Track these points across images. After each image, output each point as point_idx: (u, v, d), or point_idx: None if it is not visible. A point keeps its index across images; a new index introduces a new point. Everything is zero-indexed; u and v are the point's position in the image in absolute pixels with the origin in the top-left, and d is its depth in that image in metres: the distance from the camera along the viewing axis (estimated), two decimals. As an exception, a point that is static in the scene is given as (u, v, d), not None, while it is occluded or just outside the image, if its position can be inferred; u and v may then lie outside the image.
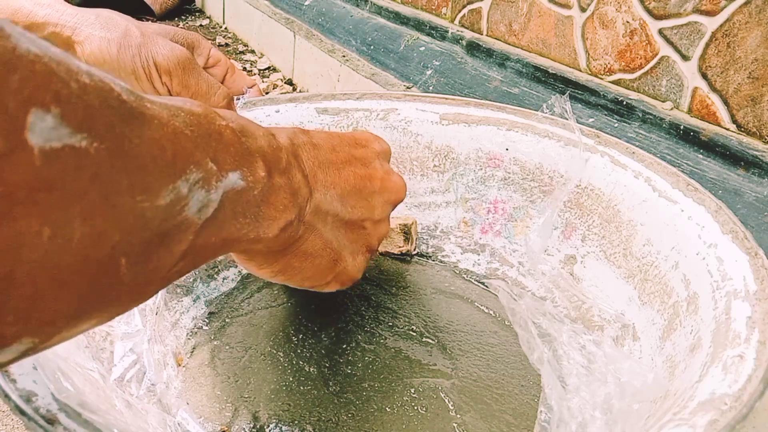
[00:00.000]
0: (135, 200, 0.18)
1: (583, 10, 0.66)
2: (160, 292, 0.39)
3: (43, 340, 0.17)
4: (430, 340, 0.41)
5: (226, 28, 1.62)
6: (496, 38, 0.80)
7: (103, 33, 0.42)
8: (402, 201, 0.39)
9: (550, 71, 0.70)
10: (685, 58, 0.56)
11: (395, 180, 0.38)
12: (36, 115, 0.14)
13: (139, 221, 0.18)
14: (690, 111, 0.57)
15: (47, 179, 0.15)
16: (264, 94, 0.57)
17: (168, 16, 1.73)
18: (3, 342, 0.15)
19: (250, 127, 0.27)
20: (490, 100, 0.53)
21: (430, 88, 0.83)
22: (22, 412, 0.23)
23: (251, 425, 0.34)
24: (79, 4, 0.49)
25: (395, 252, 0.49)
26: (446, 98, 0.52)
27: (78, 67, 0.16)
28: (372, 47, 0.98)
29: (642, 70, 0.60)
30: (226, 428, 0.34)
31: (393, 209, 0.39)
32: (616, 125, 0.61)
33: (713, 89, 0.54)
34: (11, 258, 0.14)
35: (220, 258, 0.46)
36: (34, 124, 0.14)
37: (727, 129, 0.53)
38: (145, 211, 0.18)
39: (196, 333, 0.41)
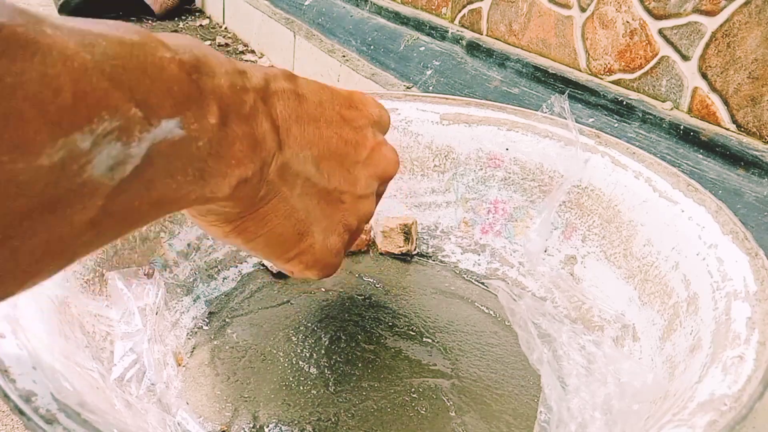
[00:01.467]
0: None
1: (583, 10, 0.66)
2: (160, 292, 0.39)
3: None
4: (430, 340, 0.41)
5: (226, 28, 1.62)
6: (496, 38, 0.80)
7: None
8: (391, 178, 0.34)
9: (550, 71, 0.70)
10: (685, 58, 0.56)
11: (387, 153, 0.32)
12: None
13: (5, 187, 0.14)
14: (690, 111, 0.57)
15: None
16: None
17: (168, 16, 1.73)
18: None
19: (210, 62, 0.22)
20: (490, 100, 0.53)
21: (430, 88, 0.83)
22: (22, 412, 0.23)
23: (251, 425, 0.34)
24: (77, 6, 0.48)
25: (395, 252, 0.49)
26: (446, 98, 0.52)
27: None
28: (372, 47, 0.98)
29: (642, 70, 0.60)
30: (225, 428, 0.34)
31: (380, 186, 0.34)
32: (616, 125, 0.61)
33: (713, 89, 0.54)
34: None
35: (220, 258, 0.46)
36: None
37: (727, 129, 0.53)
38: (17, 173, 0.14)
39: (196, 333, 0.41)
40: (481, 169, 0.50)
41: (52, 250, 0.17)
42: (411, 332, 0.41)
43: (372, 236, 0.51)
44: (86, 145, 0.16)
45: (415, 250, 0.50)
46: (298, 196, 0.28)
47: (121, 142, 0.17)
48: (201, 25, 1.67)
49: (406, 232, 0.49)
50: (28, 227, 0.15)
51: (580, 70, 0.68)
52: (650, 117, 0.58)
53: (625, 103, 0.61)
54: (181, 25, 1.67)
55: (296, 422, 0.34)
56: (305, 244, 0.30)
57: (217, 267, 0.46)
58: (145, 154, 0.18)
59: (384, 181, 0.33)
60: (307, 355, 0.39)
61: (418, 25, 0.93)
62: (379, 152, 0.32)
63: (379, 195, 0.35)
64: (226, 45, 1.46)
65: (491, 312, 0.44)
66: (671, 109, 0.58)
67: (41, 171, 0.15)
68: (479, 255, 0.50)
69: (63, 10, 1.51)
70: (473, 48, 0.82)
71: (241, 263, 0.47)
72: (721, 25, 0.52)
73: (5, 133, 0.14)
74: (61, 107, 0.15)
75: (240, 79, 0.23)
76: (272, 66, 0.27)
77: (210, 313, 0.43)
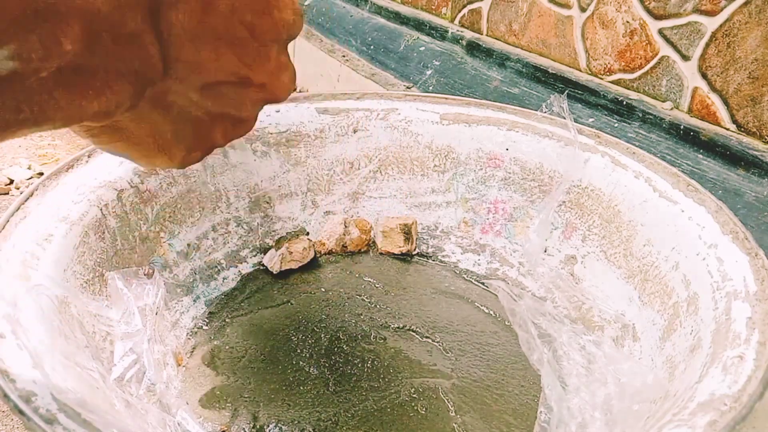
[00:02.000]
0: None
1: (583, 10, 0.66)
2: (160, 292, 0.39)
3: None
4: (430, 340, 0.41)
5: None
6: (496, 38, 0.80)
7: None
8: (280, 98, 0.28)
9: (550, 71, 0.70)
10: (685, 58, 0.56)
11: (284, 78, 0.27)
12: None
13: None
14: (690, 111, 0.56)
15: None
16: None
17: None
18: None
19: None
20: (490, 100, 0.53)
21: (430, 88, 0.83)
22: (22, 412, 0.23)
23: (251, 425, 0.34)
24: None
25: (395, 252, 0.49)
26: (446, 98, 0.52)
27: None
28: (372, 47, 0.98)
29: (642, 70, 0.60)
30: (225, 428, 0.34)
31: (266, 104, 0.28)
32: (616, 125, 0.61)
33: (713, 89, 0.54)
34: None
35: (220, 258, 0.46)
36: None
37: (727, 129, 0.53)
38: None
39: (196, 333, 0.41)
40: (481, 169, 0.50)
41: None
42: (411, 332, 0.41)
43: (372, 236, 0.51)
44: None
45: (415, 250, 0.50)
46: (168, 122, 0.24)
47: None
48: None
49: (406, 232, 0.49)
50: None
51: (580, 70, 0.68)
52: (650, 117, 0.58)
53: (625, 103, 0.61)
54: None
55: (296, 422, 0.34)
56: (163, 158, 0.26)
57: (217, 267, 0.46)
58: None
59: (270, 103, 0.28)
60: (307, 355, 0.39)
61: (418, 25, 0.93)
62: (278, 77, 0.27)
63: (256, 115, 0.29)
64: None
65: (491, 312, 0.44)
66: (671, 109, 0.58)
67: None
68: (479, 255, 0.50)
69: None
70: (473, 48, 0.82)
71: (241, 263, 0.47)
72: (721, 25, 0.52)
73: None
74: None
75: None
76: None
77: (210, 313, 0.43)
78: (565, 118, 0.47)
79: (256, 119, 0.29)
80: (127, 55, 0.19)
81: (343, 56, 1.01)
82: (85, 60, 0.18)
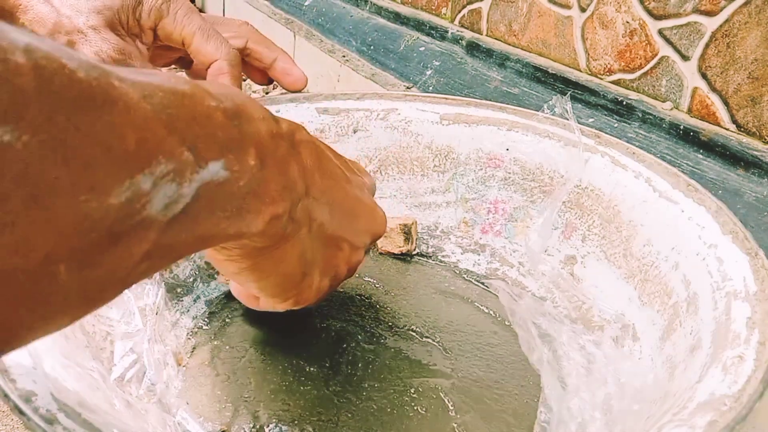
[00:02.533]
0: (77, 200, 0.15)
1: (582, 10, 0.66)
2: (160, 292, 0.39)
3: None
4: (430, 340, 0.41)
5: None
6: (496, 38, 0.80)
7: None
8: (379, 238, 0.37)
9: (550, 71, 0.70)
10: (684, 58, 0.56)
11: (381, 214, 0.37)
12: None
13: (82, 223, 0.16)
14: (690, 111, 0.57)
15: None
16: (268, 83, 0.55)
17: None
18: None
19: (248, 109, 0.24)
20: (490, 100, 0.53)
21: (430, 88, 0.83)
22: (22, 412, 0.23)
23: (251, 425, 0.34)
24: None
25: (395, 252, 0.49)
26: (446, 98, 0.52)
27: (13, 43, 0.14)
28: (372, 47, 0.98)
29: (642, 70, 0.60)
30: (226, 428, 0.34)
31: (371, 244, 0.37)
32: (616, 125, 0.61)
33: (713, 89, 0.54)
34: None
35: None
36: None
37: (727, 129, 0.53)
38: (91, 212, 0.16)
39: (196, 333, 0.41)
40: (481, 169, 0.50)
41: (114, 278, 0.18)
42: (411, 332, 0.41)
43: (372, 236, 0.51)
44: (147, 186, 0.17)
45: (415, 250, 0.50)
46: (311, 238, 0.30)
47: (175, 182, 0.19)
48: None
49: (406, 232, 0.49)
50: (97, 259, 0.17)
51: (580, 71, 0.68)
52: (650, 117, 0.58)
53: (625, 103, 0.61)
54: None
55: (296, 422, 0.34)
56: (305, 284, 0.32)
57: (217, 267, 0.46)
58: (194, 194, 0.20)
59: (374, 239, 0.37)
60: (308, 355, 0.39)
61: (418, 25, 0.93)
62: (377, 212, 0.36)
63: (366, 250, 0.38)
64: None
65: (491, 312, 0.44)
66: (671, 109, 0.58)
67: (111, 209, 0.16)
68: (479, 255, 0.50)
69: None
70: (473, 48, 0.82)
71: (241, 263, 0.47)
72: (721, 25, 0.52)
73: (83, 177, 0.15)
74: (127, 152, 0.17)
75: (275, 127, 0.26)
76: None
77: (210, 313, 0.43)
78: (568, 119, 0.47)
79: (363, 253, 0.36)
80: (283, 172, 0.25)
81: (343, 56, 1.01)
82: (261, 174, 0.24)
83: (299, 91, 0.52)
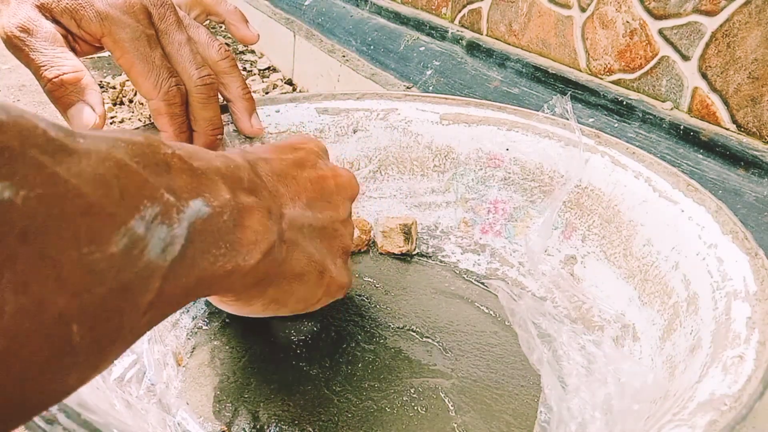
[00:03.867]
0: (80, 253, 0.15)
1: (583, 10, 0.66)
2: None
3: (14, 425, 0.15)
4: (430, 340, 0.41)
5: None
6: (496, 38, 0.80)
7: None
8: (357, 195, 0.38)
9: (550, 71, 0.70)
10: (685, 58, 0.56)
11: (345, 174, 0.36)
12: None
13: (88, 278, 0.16)
14: (690, 111, 0.57)
15: None
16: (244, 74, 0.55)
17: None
18: None
19: (200, 152, 0.24)
20: (490, 100, 0.53)
21: (430, 88, 0.83)
22: (22, 413, 0.23)
23: (251, 425, 0.34)
24: None
25: (395, 252, 0.49)
26: (446, 98, 0.52)
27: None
28: (372, 47, 0.98)
29: (642, 70, 0.60)
30: (225, 428, 0.34)
31: (351, 204, 0.37)
32: (616, 125, 0.61)
33: (713, 89, 0.54)
34: None
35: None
36: None
37: (727, 129, 0.53)
38: (95, 263, 0.16)
39: (196, 333, 0.41)
40: (481, 169, 0.50)
41: (123, 333, 0.18)
42: (411, 332, 0.41)
43: (372, 236, 0.51)
44: (141, 230, 0.18)
45: (415, 250, 0.50)
46: (308, 242, 0.31)
47: (165, 224, 0.19)
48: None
49: (406, 232, 0.49)
50: (105, 314, 0.17)
51: (580, 70, 0.68)
52: (650, 117, 0.58)
53: (625, 103, 0.61)
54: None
55: (296, 422, 0.34)
56: (327, 279, 0.33)
57: (217, 267, 0.46)
58: (187, 234, 0.20)
59: (353, 199, 0.37)
60: (308, 355, 0.39)
61: (418, 25, 0.93)
62: (340, 177, 0.36)
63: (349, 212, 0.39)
64: (227, 45, 1.46)
65: (491, 312, 0.44)
66: (671, 109, 0.58)
67: (113, 258, 0.17)
68: (479, 255, 0.50)
69: None
70: (473, 48, 0.82)
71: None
72: (721, 25, 0.52)
73: (81, 227, 0.15)
74: (115, 200, 0.17)
75: (229, 160, 0.26)
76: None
77: (210, 313, 0.43)
78: (569, 120, 0.47)
79: (351, 216, 0.37)
80: (256, 200, 0.26)
81: (343, 56, 1.01)
82: (240, 205, 0.24)
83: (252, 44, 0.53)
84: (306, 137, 0.37)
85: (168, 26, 0.41)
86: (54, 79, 0.37)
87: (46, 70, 0.37)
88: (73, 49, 0.40)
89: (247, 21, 0.52)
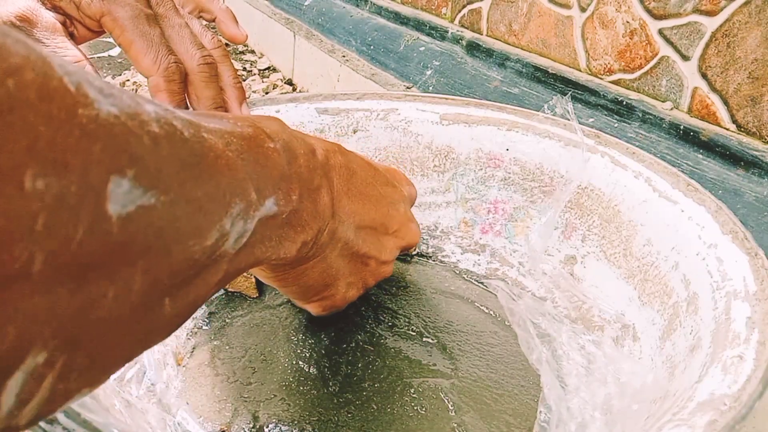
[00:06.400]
0: (187, 245, 0.18)
1: (583, 10, 0.66)
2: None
3: (96, 387, 0.17)
4: (430, 340, 0.41)
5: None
6: (496, 38, 0.80)
7: None
8: (411, 248, 0.39)
9: (550, 71, 0.70)
10: (685, 58, 0.56)
11: (413, 228, 0.38)
12: (114, 182, 0.14)
13: (187, 263, 0.18)
14: (690, 111, 0.57)
15: (120, 243, 0.15)
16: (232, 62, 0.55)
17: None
18: (67, 398, 0.15)
19: (294, 146, 0.26)
20: (490, 100, 0.53)
21: (430, 88, 0.83)
22: (22, 412, 0.23)
23: (251, 425, 0.34)
24: None
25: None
26: (446, 98, 0.52)
27: (148, 114, 0.16)
28: (372, 47, 0.98)
29: (642, 70, 0.60)
30: (225, 428, 0.34)
31: (400, 253, 0.39)
32: (616, 125, 0.61)
33: (713, 89, 0.54)
34: (81, 322, 0.14)
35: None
36: (113, 192, 0.14)
37: (727, 129, 0.53)
38: (194, 253, 0.18)
39: (196, 333, 0.41)
40: (481, 169, 0.50)
41: (194, 305, 0.20)
42: (411, 332, 0.41)
43: (372, 236, 0.51)
44: (228, 227, 0.20)
45: (414, 250, 0.50)
46: (335, 256, 0.32)
47: (243, 220, 0.21)
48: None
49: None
50: (188, 290, 0.19)
51: (580, 70, 0.68)
52: (650, 117, 0.58)
53: (625, 103, 0.61)
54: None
55: (296, 422, 0.34)
56: (328, 293, 0.35)
57: (217, 267, 0.46)
58: (254, 228, 0.22)
59: (405, 250, 0.39)
60: (307, 355, 0.39)
61: (418, 25, 0.93)
62: (408, 226, 0.37)
63: (393, 260, 0.40)
64: (226, 44, 1.46)
65: (491, 312, 0.44)
66: (671, 109, 0.58)
67: (206, 249, 0.19)
68: (479, 255, 0.50)
69: None
70: (473, 48, 0.82)
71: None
72: (721, 25, 0.52)
73: (192, 223, 0.18)
74: (219, 199, 0.19)
75: (312, 160, 0.28)
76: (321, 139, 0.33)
77: (210, 313, 0.43)
78: (569, 120, 0.47)
79: (392, 264, 0.38)
80: (315, 202, 0.28)
81: (343, 56, 1.01)
82: (299, 206, 0.26)
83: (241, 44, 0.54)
84: (405, 178, 0.39)
85: (167, 10, 0.42)
86: None
87: None
88: (71, 35, 0.41)
89: (237, 21, 0.53)
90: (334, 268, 0.33)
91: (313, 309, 0.37)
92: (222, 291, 0.45)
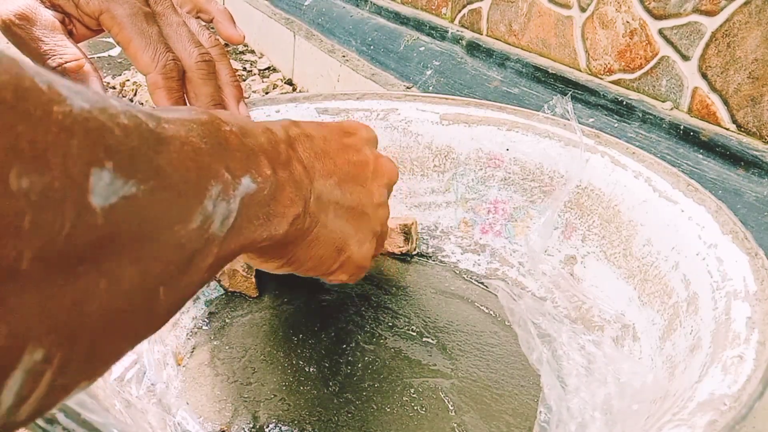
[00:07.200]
0: (173, 230, 0.18)
1: (583, 10, 0.66)
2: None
3: (95, 379, 0.17)
4: (430, 340, 0.41)
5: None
6: (496, 38, 0.80)
7: None
8: (395, 182, 0.39)
9: (550, 71, 0.70)
10: (685, 58, 0.56)
11: (386, 163, 0.38)
12: (96, 175, 0.14)
13: (176, 249, 0.18)
14: (690, 111, 0.57)
15: (106, 234, 0.15)
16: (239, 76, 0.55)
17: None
18: (66, 392, 0.15)
19: (248, 126, 0.27)
20: (490, 100, 0.53)
21: (430, 88, 0.83)
22: (22, 412, 0.23)
23: (251, 425, 0.34)
24: None
25: (395, 252, 0.49)
26: (446, 98, 0.52)
27: (115, 108, 0.16)
28: (372, 47, 0.98)
29: (642, 70, 0.60)
30: (225, 428, 0.34)
31: (389, 192, 0.39)
32: (616, 125, 0.61)
33: (713, 89, 0.54)
34: (75, 316, 0.14)
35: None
36: (95, 185, 0.14)
37: (727, 129, 0.53)
38: (181, 238, 0.18)
39: (196, 333, 0.41)
40: (481, 169, 0.50)
41: (187, 291, 0.21)
42: (411, 332, 0.41)
43: (372, 236, 0.51)
44: (210, 208, 0.20)
45: (415, 250, 0.50)
46: (332, 219, 0.33)
47: (225, 201, 0.21)
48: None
49: (406, 232, 0.49)
50: (179, 277, 0.19)
51: (580, 70, 0.68)
52: (650, 117, 0.58)
53: (625, 103, 0.61)
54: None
55: (296, 422, 0.34)
56: (344, 257, 0.35)
57: (217, 267, 0.46)
58: (238, 208, 0.22)
59: (390, 187, 0.39)
60: (307, 355, 0.39)
61: (418, 25, 0.93)
62: (381, 164, 0.37)
63: (387, 199, 0.40)
64: (226, 45, 1.46)
65: (491, 312, 0.44)
66: (671, 109, 0.58)
67: (192, 233, 0.19)
68: (479, 255, 0.50)
69: None
70: (473, 48, 0.82)
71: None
72: (721, 25, 0.52)
73: (174, 207, 0.18)
74: (194, 182, 0.19)
75: (272, 135, 0.28)
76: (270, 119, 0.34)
77: (210, 313, 0.43)
78: (569, 120, 0.47)
79: (388, 205, 0.39)
80: (290, 173, 0.28)
81: (343, 56, 1.01)
82: (276, 180, 0.26)
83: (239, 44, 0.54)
84: (358, 123, 0.39)
85: (164, 9, 0.42)
86: (57, 68, 0.38)
87: (49, 58, 0.38)
88: (70, 33, 0.41)
89: (234, 21, 0.53)
90: (338, 231, 0.34)
91: (343, 278, 0.37)
92: (222, 291, 0.45)
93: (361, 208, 0.35)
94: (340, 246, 0.34)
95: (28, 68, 0.13)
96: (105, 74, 1.19)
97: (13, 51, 0.38)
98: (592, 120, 0.63)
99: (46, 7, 0.40)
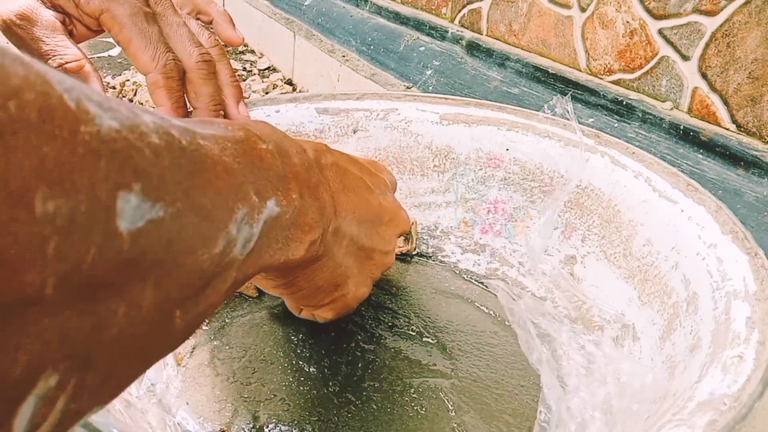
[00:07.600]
0: (196, 255, 0.17)
1: (583, 10, 0.66)
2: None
3: (107, 403, 0.16)
4: (430, 340, 0.41)
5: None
6: (496, 38, 0.80)
7: None
8: (406, 232, 0.40)
9: (550, 71, 0.70)
10: (685, 58, 0.56)
11: (403, 214, 0.39)
12: (123, 198, 0.14)
13: (197, 274, 0.18)
14: (690, 111, 0.57)
15: (131, 259, 0.14)
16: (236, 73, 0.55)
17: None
18: (79, 417, 0.15)
19: (285, 144, 0.26)
20: (490, 100, 0.53)
21: (430, 88, 0.83)
22: (22, 412, 0.23)
23: (251, 425, 0.34)
24: None
25: (395, 252, 0.49)
26: (446, 98, 0.52)
27: (147, 126, 0.15)
28: (372, 47, 0.98)
29: (642, 70, 0.60)
30: (225, 428, 0.34)
31: (398, 240, 0.39)
32: (616, 125, 0.61)
33: (713, 89, 0.54)
34: (91, 342, 0.14)
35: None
36: (123, 209, 0.14)
37: (727, 129, 0.53)
38: (203, 263, 0.18)
39: (196, 333, 0.41)
40: (481, 169, 0.50)
41: (205, 314, 0.20)
42: (411, 332, 0.41)
43: (372, 236, 0.51)
44: (234, 233, 0.20)
45: (415, 250, 0.50)
46: (342, 254, 0.33)
47: (248, 224, 0.21)
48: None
49: (406, 233, 0.49)
50: (197, 300, 0.19)
51: (580, 70, 0.68)
52: (650, 117, 0.58)
53: (625, 103, 0.61)
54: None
55: (296, 422, 0.34)
56: (339, 294, 0.35)
57: (217, 267, 0.46)
58: (260, 231, 0.22)
59: (401, 236, 0.39)
60: (307, 355, 0.39)
61: (418, 25, 0.93)
62: (399, 214, 0.38)
63: (394, 248, 0.40)
64: (226, 45, 1.46)
65: (491, 312, 0.44)
66: (671, 109, 0.58)
67: (214, 257, 0.19)
68: (479, 255, 0.50)
69: None
70: (473, 48, 0.82)
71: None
72: (721, 25, 0.52)
73: (199, 232, 0.17)
74: (222, 205, 0.19)
75: (306, 158, 0.28)
76: (278, 126, 0.33)
77: (210, 313, 0.43)
78: (569, 120, 0.47)
79: (394, 254, 0.39)
80: (316, 199, 0.27)
81: (343, 56, 1.01)
82: (301, 205, 0.26)
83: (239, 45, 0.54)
84: (383, 166, 0.40)
85: (164, 9, 0.42)
86: (57, 69, 0.38)
87: (49, 59, 0.38)
88: (70, 33, 0.41)
89: (233, 23, 0.53)
90: (343, 266, 0.33)
91: (326, 313, 0.37)
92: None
93: (371, 251, 0.35)
94: (339, 282, 0.34)
95: (58, 84, 0.13)
96: (105, 74, 1.19)
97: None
98: (592, 120, 0.63)
99: (47, 7, 0.40)
